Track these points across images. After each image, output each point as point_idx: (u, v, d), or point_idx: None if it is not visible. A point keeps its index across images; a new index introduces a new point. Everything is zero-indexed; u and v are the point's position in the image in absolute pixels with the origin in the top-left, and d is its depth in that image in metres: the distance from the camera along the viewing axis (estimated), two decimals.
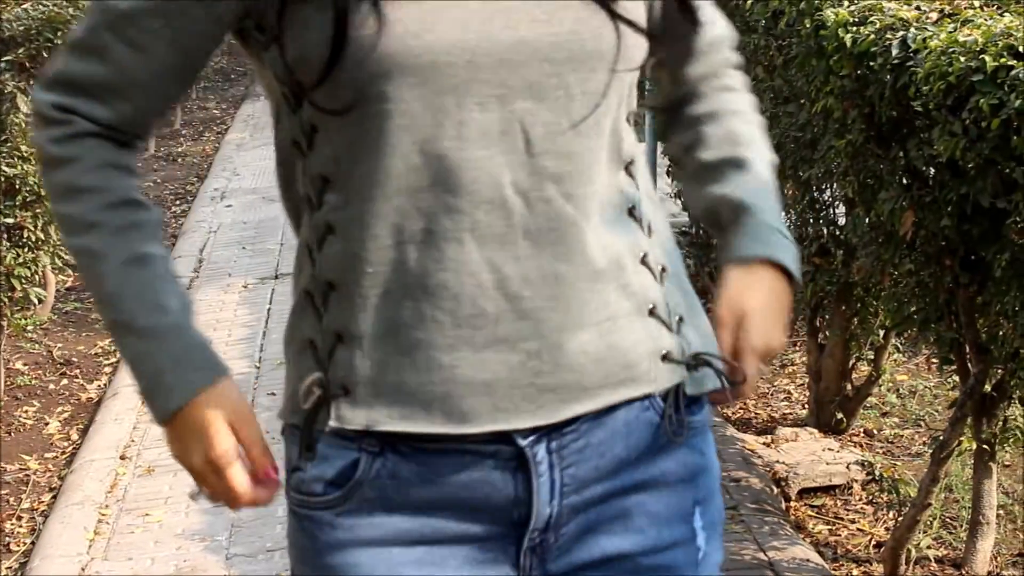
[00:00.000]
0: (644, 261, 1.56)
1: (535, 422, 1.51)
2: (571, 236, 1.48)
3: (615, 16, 1.48)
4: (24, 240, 5.69)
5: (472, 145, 1.43)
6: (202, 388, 1.52)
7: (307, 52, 1.42)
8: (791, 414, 5.45)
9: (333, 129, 1.46)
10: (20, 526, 4.62)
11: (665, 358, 1.56)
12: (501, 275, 1.46)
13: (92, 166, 1.53)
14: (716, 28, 1.76)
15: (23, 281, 5.60)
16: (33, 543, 4.45)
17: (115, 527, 4.46)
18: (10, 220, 5.65)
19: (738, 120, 1.74)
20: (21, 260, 5.57)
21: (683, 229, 7.68)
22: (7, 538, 4.52)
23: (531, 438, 1.52)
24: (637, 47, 1.51)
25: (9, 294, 5.58)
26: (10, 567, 4.31)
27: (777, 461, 4.73)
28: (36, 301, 5.85)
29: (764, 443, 4.95)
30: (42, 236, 5.73)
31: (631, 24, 1.50)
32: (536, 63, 1.44)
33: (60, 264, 5.97)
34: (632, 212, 1.56)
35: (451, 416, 1.49)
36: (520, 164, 1.45)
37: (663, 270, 1.59)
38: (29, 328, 6.08)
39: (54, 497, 4.82)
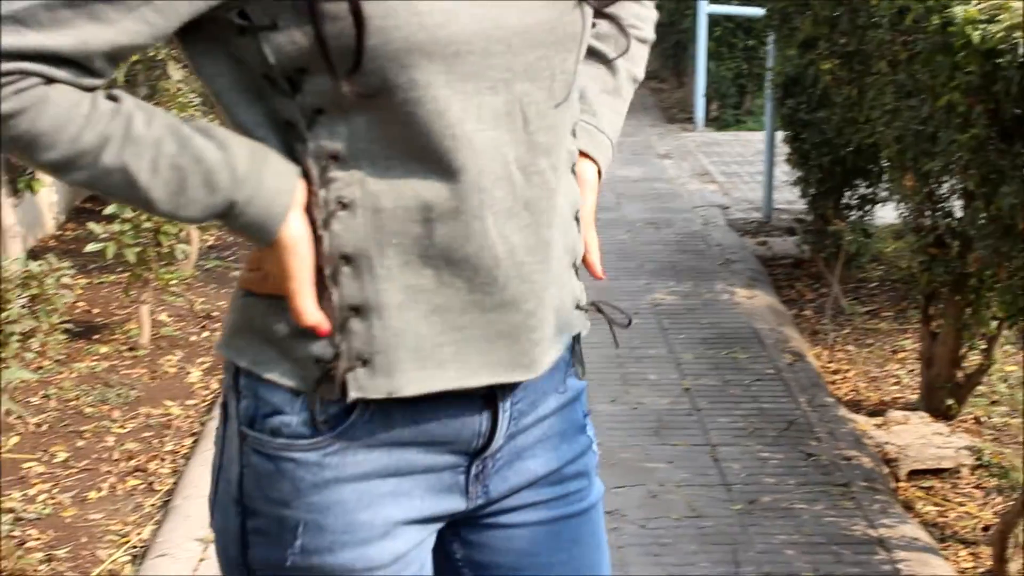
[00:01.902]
0: (577, 216, 1.69)
1: (530, 374, 1.62)
2: (554, 203, 1.59)
3: (582, 1, 1.59)
4: None
5: (487, 126, 1.50)
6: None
7: (313, 44, 1.43)
8: (901, 398, 5.47)
9: (349, 113, 1.47)
10: (163, 467, 4.76)
11: (577, 307, 1.71)
12: (510, 245, 1.55)
13: (62, 102, 1.41)
14: None
15: (169, 237, 5.76)
16: (176, 483, 4.59)
17: None
18: None
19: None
20: None
21: (799, 216, 7.69)
22: (151, 478, 4.67)
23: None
24: (590, 24, 1.64)
25: (157, 249, 5.75)
26: (154, 504, 4.46)
27: (888, 442, 4.76)
28: (181, 257, 6.01)
29: (875, 425, 4.99)
30: None
31: (590, 6, 1.62)
32: (531, 48, 1.53)
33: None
34: (574, 168, 1.68)
35: (462, 372, 1.56)
36: (520, 141, 1.53)
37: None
38: (173, 282, 6.24)
39: (195, 441, 4.96)
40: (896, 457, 4.68)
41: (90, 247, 5.67)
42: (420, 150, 1.48)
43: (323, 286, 1.52)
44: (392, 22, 1.42)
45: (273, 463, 1.57)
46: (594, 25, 1.79)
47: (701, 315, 6.46)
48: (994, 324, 4.84)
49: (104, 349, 5.93)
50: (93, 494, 4.54)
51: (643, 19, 1.90)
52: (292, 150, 1.50)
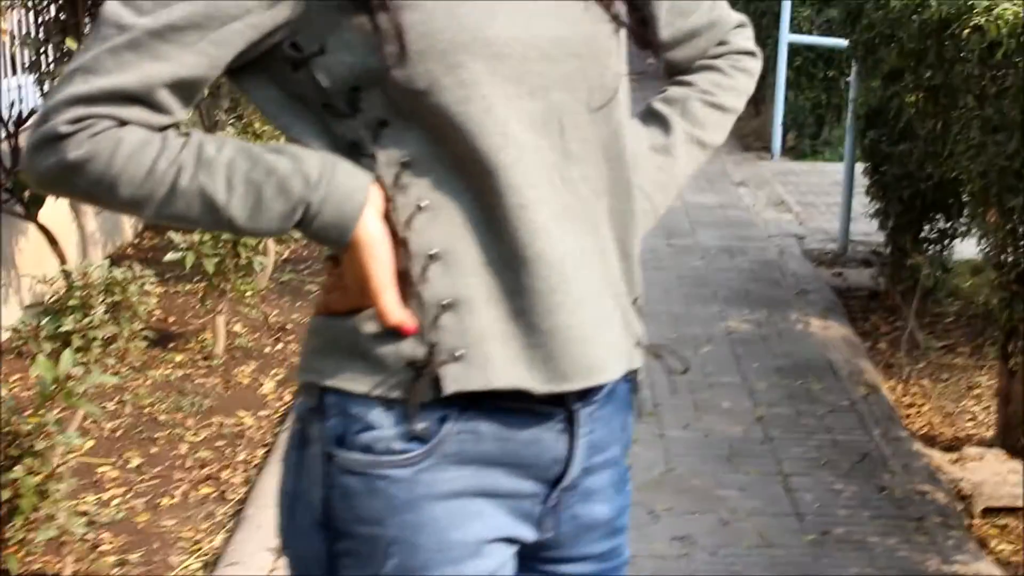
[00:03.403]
0: (626, 252, 1.69)
1: (610, 376, 1.64)
2: (589, 214, 1.62)
3: (617, 21, 1.63)
4: None
5: (529, 129, 1.55)
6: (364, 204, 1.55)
7: (363, 58, 1.50)
8: (976, 435, 5.42)
9: (410, 119, 1.52)
10: (235, 476, 4.79)
11: (637, 343, 1.72)
12: (567, 245, 1.58)
13: (134, 139, 1.49)
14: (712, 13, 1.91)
15: (248, 249, 5.81)
16: (247, 493, 4.62)
17: None
18: None
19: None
20: None
21: (876, 248, 7.65)
22: (223, 486, 4.70)
23: (579, 403, 1.66)
24: (623, 46, 1.67)
25: (234, 260, 5.79)
26: (225, 512, 4.49)
27: (962, 478, 4.72)
28: (257, 269, 6.05)
29: (950, 460, 4.94)
30: None
31: (626, 26, 1.66)
32: (568, 58, 1.57)
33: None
34: (623, 203, 1.68)
35: (553, 376, 1.58)
36: (555, 148, 1.57)
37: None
38: (249, 294, 6.28)
39: (267, 452, 4.99)
40: (971, 494, 4.64)
41: (169, 256, 5.73)
42: (475, 150, 1.52)
43: (406, 286, 1.55)
44: (434, 26, 1.48)
45: (364, 482, 1.58)
46: (664, 90, 1.88)
47: (775, 344, 6.42)
48: None
49: (179, 357, 5.99)
50: (166, 501, 4.57)
51: (724, 88, 1.92)
52: (361, 168, 1.55)
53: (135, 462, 4.87)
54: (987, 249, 5.03)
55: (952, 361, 6.32)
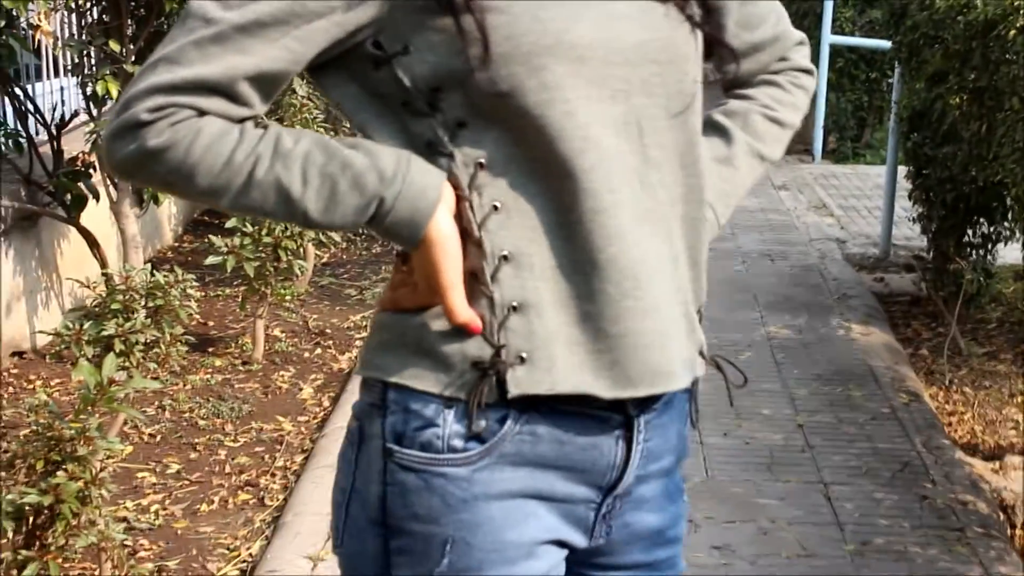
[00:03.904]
0: (696, 260, 1.71)
1: (677, 384, 1.66)
2: (665, 219, 1.64)
3: (696, 25, 1.65)
4: None
5: (610, 133, 1.57)
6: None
7: (446, 59, 1.52)
8: (1019, 443, 5.38)
9: (489, 121, 1.55)
10: (274, 482, 4.81)
11: (700, 352, 1.72)
12: (643, 250, 1.60)
13: (213, 130, 1.52)
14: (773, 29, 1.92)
15: (288, 253, 5.82)
16: (286, 499, 4.63)
17: None
18: None
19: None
20: (288, 233, 5.79)
21: (918, 253, 7.62)
22: (262, 493, 4.72)
23: (638, 410, 1.67)
24: (701, 52, 1.69)
25: (275, 264, 5.82)
26: (264, 519, 4.51)
27: (1005, 488, 4.69)
28: (298, 273, 6.07)
29: (992, 469, 4.91)
30: None
31: (703, 29, 1.68)
32: (648, 63, 1.59)
33: (323, 239, 6.19)
34: (695, 211, 1.69)
35: (618, 382, 1.60)
36: (636, 152, 1.60)
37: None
38: (288, 298, 6.31)
39: (306, 458, 5.00)
40: (1013, 504, 4.61)
41: (210, 260, 5.76)
42: (554, 153, 1.54)
43: (477, 287, 1.57)
44: (518, 29, 1.51)
45: (422, 479, 1.60)
46: (724, 102, 1.90)
47: (815, 350, 6.40)
48: None
49: (218, 362, 6.01)
50: (204, 507, 4.59)
51: (783, 103, 1.94)
52: (437, 167, 1.57)
53: (174, 468, 4.90)
54: None
55: (995, 368, 6.29)
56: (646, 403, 1.67)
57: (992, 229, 6.55)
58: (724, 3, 1.78)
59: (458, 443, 1.59)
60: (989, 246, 6.60)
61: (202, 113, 1.51)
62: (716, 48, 1.76)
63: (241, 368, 5.97)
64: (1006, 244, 6.51)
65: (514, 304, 1.57)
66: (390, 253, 8.16)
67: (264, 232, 5.68)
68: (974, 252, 6.62)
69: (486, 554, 1.61)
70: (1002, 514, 4.58)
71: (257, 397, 5.63)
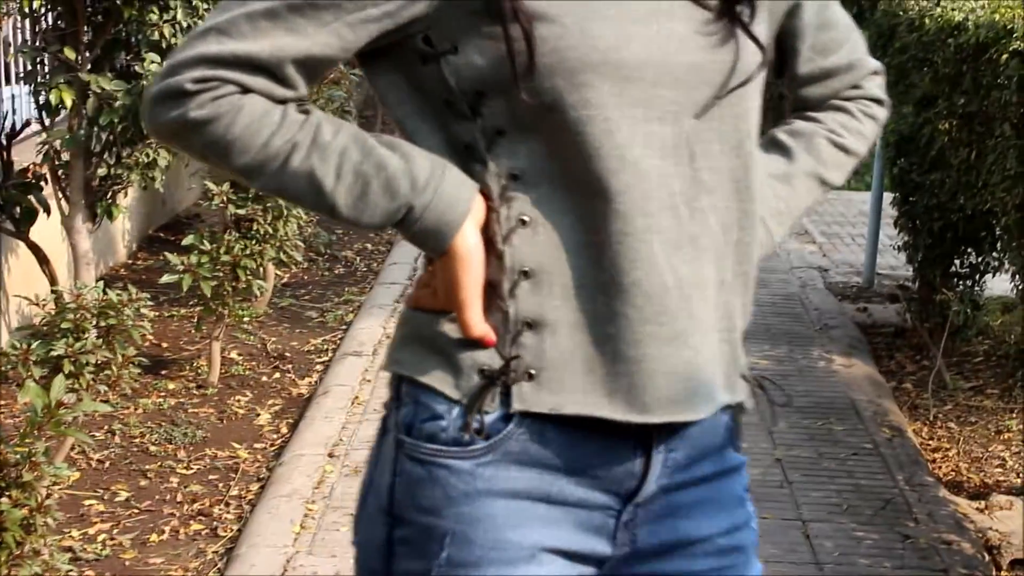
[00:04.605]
0: (748, 285, 1.75)
1: (694, 416, 1.68)
2: (712, 245, 1.67)
3: (760, 45, 1.67)
4: (252, 232, 5.92)
5: (655, 154, 1.60)
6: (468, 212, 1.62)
7: (492, 65, 1.57)
8: (1005, 481, 5.41)
9: (527, 132, 1.60)
10: (228, 512, 4.79)
11: (743, 376, 1.76)
12: (678, 276, 1.63)
13: (255, 110, 1.58)
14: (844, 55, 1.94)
15: (247, 272, 5.81)
16: (240, 530, 4.62)
17: (320, 523, 4.62)
18: (242, 211, 5.88)
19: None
20: (248, 251, 5.78)
21: (903, 283, 7.65)
22: (215, 523, 4.70)
23: (656, 427, 1.69)
24: (763, 74, 1.71)
25: (233, 283, 5.80)
26: (216, 551, 4.49)
27: (990, 528, 4.71)
28: (257, 293, 6.06)
29: (977, 508, 4.93)
30: (270, 230, 5.96)
31: (764, 52, 1.69)
32: (702, 86, 1.62)
33: (284, 258, 6.19)
34: (749, 235, 1.72)
35: (632, 406, 1.64)
36: (684, 175, 1.63)
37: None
38: (246, 319, 6.30)
39: (262, 487, 4.99)
40: (999, 544, 4.63)
41: (165, 278, 5.74)
42: (588, 171, 1.59)
43: (494, 300, 1.63)
44: (565, 43, 1.55)
45: (426, 469, 1.66)
46: (789, 122, 1.93)
47: (796, 382, 6.42)
48: None
49: (172, 386, 6.00)
50: (154, 537, 4.58)
51: (850, 130, 1.95)
52: (471, 173, 1.63)
53: (123, 495, 4.88)
54: (1020, 286, 5.03)
55: (981, 403, 6.31)
56: (666, 426, 1.69)
57: (980, 259, 6.58)
58: (800, 27, 1.82)
59: (460, 436, 1.64)
60: (977, 277, 6.62)
61: (246, 90, 1.57)
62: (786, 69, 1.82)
63: (195, 392, 5.95)
64: (994, 275, 6.54)
65: (528, 321, 1.62)
66: (353, 275, 8.16)
67: (222, 250, 5.67)
68: (961, 283, 6.64)
69: (485, 551, 1.64)
70: (987, 555, 4.60)
71: (212, 422, 5.62)
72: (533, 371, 1.62)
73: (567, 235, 1.61)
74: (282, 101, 1.60)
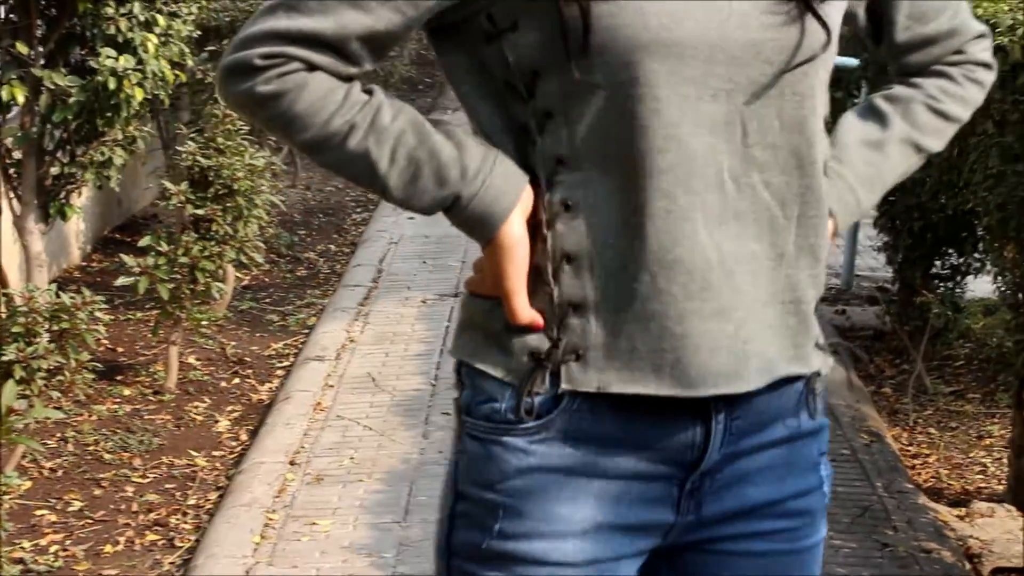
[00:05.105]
0: (817, 257, 1.78)
1: (745, 387, 1.72)
2: (765, 220, 1.71)
3: (826, 26, 1.69)
4: (212, 233, 5.89)
5: (705, 132, 1.65)
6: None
7: (548, 42, 1.63)
8: (986, 488, 5.43)
9: (575, 113, 1.66)
10: (185, 522, 4.78)
11: (816, 345, 1.81)
12: (722, 252, 1.68)
13: (319, 88, 1.67)
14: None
15: (206, 274, 5.79)
16: (198, 540, 4.60)
17: (281, 533, 4.61)
18: (201, 212, 5.86)
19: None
20: (207, 253, 5.76)
21: (882, 284, 7.67)
22: (171, 533, 4.68)
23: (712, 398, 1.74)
24: (833, 53, 1.74)
25: (191, 286, 5.78)
26: (173, 562, 4.47)
27: (971, 536, 4.72)
28: (216, 296, 6.04)
29: (957, 516, 4.95)
30: (230, 231, 5.93)
31: (829, 30, 1.70)
32: (759, 63, 1.66)
33: (244, 260, 6.16)
34: (814, 209, 1.75)
35: (679, 381, 1.69)
36: (735, 152, 1.68)
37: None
38: (205, 323, 6.28)
39: (220, 496, 4.98)
40: (979, 552, 4.64)
41: (121, 281, 5.72)
42: (634, 150, 1.64)
43: (540, 284, 1.71)
44: (619, 21, 1.61)
45: (483, 447, 1.75)
46: (889, 87, 1.95)
47: None
48: None
49: (127, 391, 5.97)
50: (109, 548, 4.56)
51: (951, 95, 1.96)
52: (526, 155, 1.71)
53: (76, 505, 4.86)
54: (1002, 288, 5.04)
55: (962, 408, 6.33)
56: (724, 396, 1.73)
57: (962, 260, 6.60)
58: None
59: (513, 417, 1.73)
60: (958, 278, 6.64)
61: (312, 67, 1.65)
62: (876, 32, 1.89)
63: (152, 398, 5.93)
64: (976, 276, 6.56)
65: (572, 303, 1.70)
66: (316, 277, 8.14)
67: (180, 252, 5.65)
68: (942, 284, 6.66)
69: (536, 523, 1.73)
70: (968, 563, 4.61)
71: (168, 429, 5.60)
72: (580, 351, 1.70)
73: (610, 216, 1.67)
74: (348, 78, 1.68)
